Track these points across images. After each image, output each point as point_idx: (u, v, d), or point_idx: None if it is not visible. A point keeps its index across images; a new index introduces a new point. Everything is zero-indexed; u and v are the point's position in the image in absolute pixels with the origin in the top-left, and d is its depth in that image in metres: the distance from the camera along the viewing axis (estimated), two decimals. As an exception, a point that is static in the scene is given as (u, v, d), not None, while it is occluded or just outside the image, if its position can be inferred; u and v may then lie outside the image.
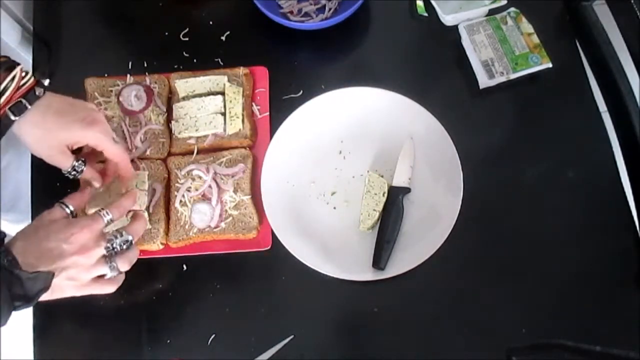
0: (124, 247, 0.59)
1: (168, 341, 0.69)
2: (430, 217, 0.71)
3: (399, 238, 0.70)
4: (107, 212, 0.59)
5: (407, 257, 0.68)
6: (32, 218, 0.73)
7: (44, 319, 0.70)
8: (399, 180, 0.72)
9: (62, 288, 0.56)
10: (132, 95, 0.75)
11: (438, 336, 0.68)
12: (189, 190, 0.72)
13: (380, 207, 0.71)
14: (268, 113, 0.78)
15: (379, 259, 0.68)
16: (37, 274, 0.52)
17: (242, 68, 0.79)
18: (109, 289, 0.60)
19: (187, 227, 0.71)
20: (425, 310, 0.69)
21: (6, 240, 0.54)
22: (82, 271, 0.56)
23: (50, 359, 0.69)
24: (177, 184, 0.73)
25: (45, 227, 0.56)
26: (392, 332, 0.68)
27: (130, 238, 0.60)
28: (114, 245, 0.58)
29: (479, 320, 0.68)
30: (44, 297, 0.54)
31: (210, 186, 0.72)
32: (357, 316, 0.70)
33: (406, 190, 0.72)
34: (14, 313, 0.52)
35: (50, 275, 0.53)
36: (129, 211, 0.65)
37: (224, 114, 0.75)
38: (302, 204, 0.73)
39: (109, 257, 0.59)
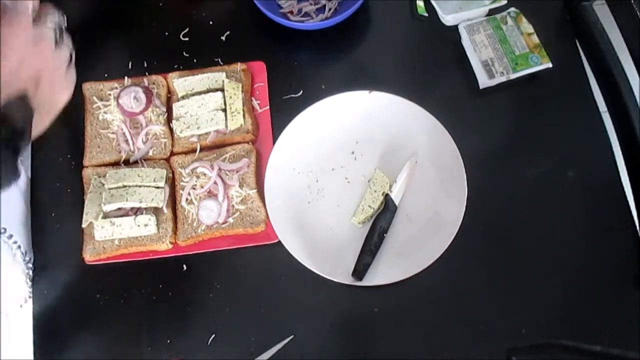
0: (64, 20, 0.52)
1: (168, 341, 0.69)
2: (434, 223, 0.71)
3: (402, 244, 0.70)
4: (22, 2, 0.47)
5: (409, 263, 0.68)
6: (32, 228, 0.73)
7: (44, 319, 0.70)
8: (395, 195, 0.72)
9: (55, 99, 0.50)
10: (131, 97, 0.75)
11: (438, 336, 0.68)
12: (194, 188, 0.72)
13: (375, 205, 0.71)
14: (268, 107, 0.78)
15: (359, 269, 0.68)
16: (8, 102, 0.45)
17: (239, 64, 0.79)
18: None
19: (195, 224, 0.71)
20: (425, 310, 0.69)
21: None
22: (53, 64, 0.50)
23: (50, 359, 0.69)
24: (182, 183, 0.73)
25: None
26: (392, 332, 0.68)
27: (55, 12, 0.52)
28: (61, 25, 0.52)
29: (479, 320, 0.68)
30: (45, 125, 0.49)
31: (215, 182, 0.72)
32: (357, 316, 0.70)
33: (395, 208, 0.72)
34: (12, 313, 0.49)
35: (22, 94, 0.47)
36: None
37: (224, 110, 0.75)
38: (305, 207, 0.73)
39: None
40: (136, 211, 0.71)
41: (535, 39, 0.79)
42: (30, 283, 0.70)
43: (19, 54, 0.47)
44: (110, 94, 0.78)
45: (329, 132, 0.76)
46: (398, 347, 0.68)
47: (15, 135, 0.47)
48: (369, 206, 0.71)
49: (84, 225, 0.71)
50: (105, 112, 0.77)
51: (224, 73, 0.77)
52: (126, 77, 0.79)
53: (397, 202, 0.72)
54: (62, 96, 0.53)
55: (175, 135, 0.76)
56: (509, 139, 0.78)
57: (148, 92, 0.76)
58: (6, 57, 0.46)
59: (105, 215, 0.71)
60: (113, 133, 0.76)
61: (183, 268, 0.72)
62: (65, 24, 0.53)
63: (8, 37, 0.46)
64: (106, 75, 0.80)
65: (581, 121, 0.77)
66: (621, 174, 0.74)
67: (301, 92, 0.79)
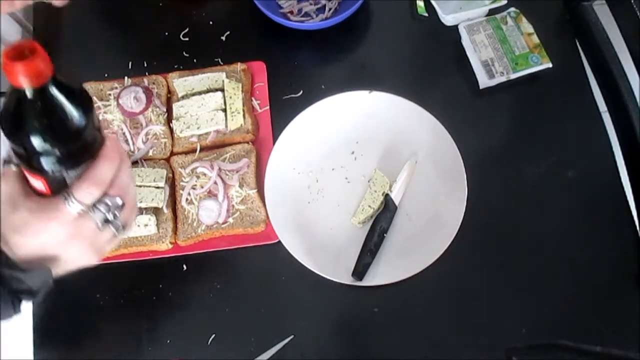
0: (119, 213, 0.47)
1: (168, 341, 0.69)
2: (434, 223, 0.71)
3: (402, 245, 0.70)
4: (72, 200, 0.43)
5: (409, 263, 0.67)
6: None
7: (44, 319, 0.70)
8: (395, 195, 0.72)
9: (74, 261, 0.47)
10: (132, 97, 0.76)
11: (438, 336, 0.68)
12: (194, 188, 0.72)
13: (375, 205, 0.71)
14: (268, 107, 0.78)
15: (359, 269, 0.68)
16: (33, 272, 0.44)
17: (239, 64, 0.79)
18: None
19: (195, 224, 0.71)
20: (425, 310, 0.69)
21: None
22: (82, 253, 0.46)
23: (50, 359, 0.69)
24: (182, 183, 0.73)
25: (8, 212, 0.43)
26: (392, 333, 0.68)
27: (119, 202, 0.46)
28: (109, 219, 0.46)
29: (479, 320, 0.68)
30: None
31: (215, 182, 0.72)
32: (357, 316, 0.70)
33: (395, 208, 0.72)
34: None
35: (47, 272, 0.45)
36: None
37: (224, 110, 0.76)
38: (305, 207, 0.73)
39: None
40: (136, 211, 0.72)
41: (535, 39, 0.79)
42: None
43: (54, 241, 0.45)
44: (110, 94, 0.78)
45: (329, 132, 0.76)
46: (398, 347, 0.68)
47: (27, 293, 0.44)
48: (369, 206, 0.71)
49: (84, 225, 0.71)
50: (105, 112, 0.77)
51: (224, 73, 0.77)
52: (126, 77, 0.79)
53: (397, 202, 0.72)
54: (86, 263, 0.49)
55: (175, 135, 0.76)
56: (509, 139, 0.78)
57: (148, 92, 0.76)
58: (37, 237, 0.44)
59: (106, 215, 0.71)
60: (113, 133, 0.76)
61: (183, 268, 0.72)
62: (120, 204, 0.47)
63: (42, 229, 0.44)
64: (106, 75, 0.80)
65: (581, 121, 0.77)
66: (621, 174, 0.74)
67: (301, 92, 0.79)
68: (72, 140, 0.42)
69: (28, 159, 0.41)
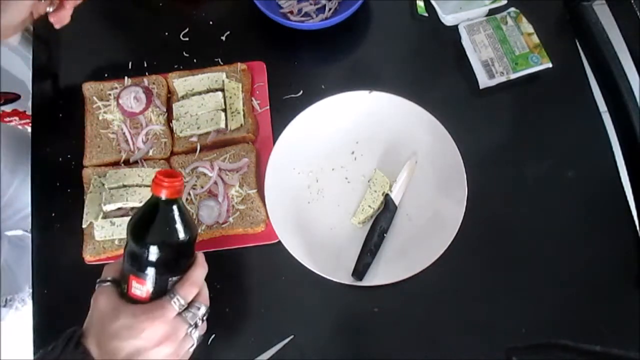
0: (205, 318, 0.56)
1: (168, 341, 0.69)
2: (434, 223, 0.71)
3: (402, 245, 0.70)
4: (178, 298, 0.53)
5: (409, 263, 0.67)
6: (32, 228, 0.73)
7: (44, 319, 0.70)
8: (395, 195, 0.72)
9: None
10: (132, 97, 0.76)
11: (438, 336, 0.68)
12: (194, 188, 0.72)
13: (375, 205, 0.71)
14: (268, 107, 0.78)
15: (359, 269, 0.68)
16: None
17: (239, 64, 0.79)
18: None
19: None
20: (425, 311, 0.69)
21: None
22: (171, 355, 0.53)
23: (51, 359, 0.69)
24: (182, 182, 0.73)
25: (109, 320, 0.51)
26: (392, 333, 0.68)
27: (205, 309, 0.56)
28: (197, 323, 0.55)
29: (479, 320, 0.68)
30: None
31: (215, 182, 0.72)
32: (357, 316, 0.70)
33: (395, 208, 0.72)
34: (16, 313, 0.50)
35: None
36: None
37: (224, 110, 0.76)
38: (305, 207, 0.73)
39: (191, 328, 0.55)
40: (136, 211, 0.72)
41: (535, 39, 0.79)
42: None
43: (151, 341, 0.51)
44: (110, 94, 0.78)
45: (329, 132, 0.76)
46: (398, 347, 0.68)
47: None
48: (369, 206, 0.72)
49: (84, 226, 0.71)
50: (105, 112, 0.77)
51: (224, 73, 0.77)
52: (126, 77, 0.79)
53: (397, 202, 0.72)
54: None
55: (175, 135, 0.76)
56: (509, 139, 0.78)
57: (148, 92, 0.76)
58: (140, 338, 0.50)
59: (105, 215, 0.71)
60: (113, 133, 0.76)
61: (183, 268, 0.72)
62: (204, 312, 0.56)
63: (146, 328, 0.51)
64: (106, 75, 0.81)
65: (581, 121, 0.77)
66: (621, 174, 0.74)
67: (301, 92, 0.79)
68: (187, 246, 0.54)
69: (145, 264, 0.51)
